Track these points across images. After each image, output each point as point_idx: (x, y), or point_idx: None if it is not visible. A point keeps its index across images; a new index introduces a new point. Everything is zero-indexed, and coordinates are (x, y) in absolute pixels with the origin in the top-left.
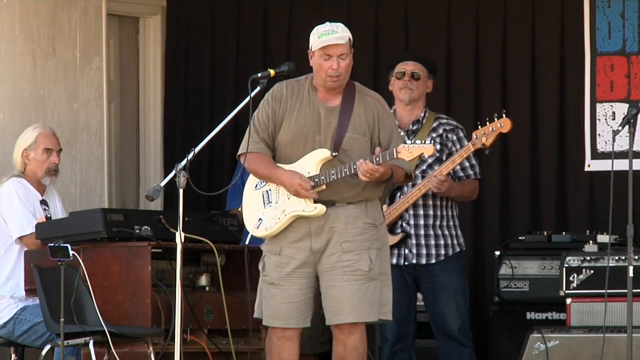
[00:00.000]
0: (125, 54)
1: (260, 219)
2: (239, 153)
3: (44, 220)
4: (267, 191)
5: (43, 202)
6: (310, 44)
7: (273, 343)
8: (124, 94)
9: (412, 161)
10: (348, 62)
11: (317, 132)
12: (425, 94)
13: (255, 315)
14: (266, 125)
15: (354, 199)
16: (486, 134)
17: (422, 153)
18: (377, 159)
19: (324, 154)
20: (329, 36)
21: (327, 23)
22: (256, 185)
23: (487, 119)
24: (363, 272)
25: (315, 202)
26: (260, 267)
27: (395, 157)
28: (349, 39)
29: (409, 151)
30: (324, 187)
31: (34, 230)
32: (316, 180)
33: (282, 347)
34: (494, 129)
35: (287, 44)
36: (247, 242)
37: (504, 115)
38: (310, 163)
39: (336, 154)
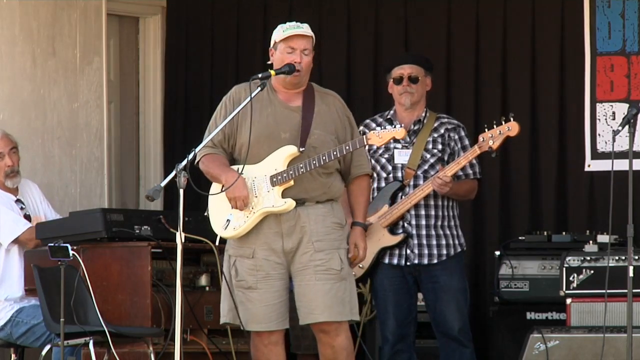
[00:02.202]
0: (125, 54)
1: (228, 219)
2: (197, 159)
3: (22, 218)
4: None
5: (18, 202)
6: (272, 41)
7: (260, 351)
8: (124, 94)
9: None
10: (310, 59)
11: (282, 131)
12: (425, 92)
13: (226, 321)
14: (222, 129)
15: (321, 198)
16: (493, 137)
17: (394, 137)
18: (347, 147)
19: (291, 150)
20: (295, 30)
21: (291, 22)
22: (222, 187)
23: (495, 122)
24: (335, 271)
25: (284, 197)
26: (232, 272)
27: (365, 144)
28: (313, 38)
29: (379, 137)
30: (291, 182)
31: (25, 228)
32: (284, 175)
33: (269, 353)
34: (502, 132)
35: None
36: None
37: (511, 119)
38: (278, 160)
39: (303, 149)
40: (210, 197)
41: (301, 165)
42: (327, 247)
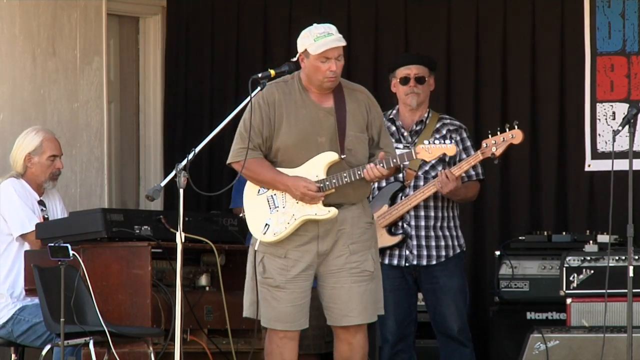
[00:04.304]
0: (125, 54)
1: (267, 224)
2: (232, 160)
3: (42, 220)
4: (271, 196)
5: (41, 203)
6: (302, 46)
7: (275, 344)
8: (124, 94)
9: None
10: (342, 62)
11: (318, 135)
12: (429, 92)
13: (247, 315)
14: (260, 131)
15: (356, 199)
16: (497, 144)
17: (444, 153)
18: (394, 160)
19: (332, 156)
20: (327, 39)
21: (318, 25)
22: (259, 190)
23: (499, 128)
24: (369, 273)
25: (325, 205)
26: (259, 269)
27: (414, 157)
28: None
29: (428, 152)
30: (333, 190)
31: (33, 228)
32: (327, 183)
33: (284, 347)
34: (505, 139)
35: (287, 44)
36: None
37: (516, 127)
38: (318, 166)
39: (345, 156)
40: (246, 201)
41: (345, 175)
42: (361, 248)
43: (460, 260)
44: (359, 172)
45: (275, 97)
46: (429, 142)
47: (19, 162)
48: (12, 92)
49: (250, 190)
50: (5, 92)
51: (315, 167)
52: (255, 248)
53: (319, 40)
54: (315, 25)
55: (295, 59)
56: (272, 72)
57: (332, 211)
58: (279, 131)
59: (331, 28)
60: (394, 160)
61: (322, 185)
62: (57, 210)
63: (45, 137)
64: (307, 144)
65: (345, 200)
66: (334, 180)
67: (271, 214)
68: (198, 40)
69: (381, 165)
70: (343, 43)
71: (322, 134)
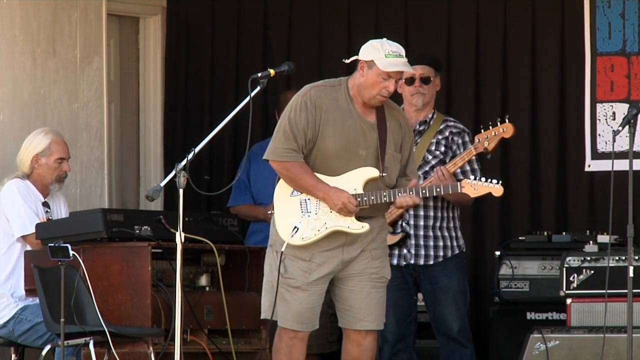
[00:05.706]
0: (125, 54)
1: (296, 227)
2: (275, 159)
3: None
4: (305, 200)
5: (45, 204)
6: (369, 56)
7: (284, 342)
8: (124, 94)
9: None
10: (398, 85)
11: (360, 147)
12: (435, 93)
13: (266, 317)
14: (304, 133)
15: (383, 212)
16: (489, 138)
17: (490, 192)
18: (438, 189)
19: (373, 172)
20: (399, 60)
21: (390, 42)
22: (292, 192)
23: (490, 123)
24: (385, 280)
25: (358, 219)
26: (280, 269)
27: (459, 191)
28: None
29: (474, 188)
30: (367, 206)
31: (34, 230)
32: (365, 199)
33: (293, 346)
34: (497, 133)
35: (287, 44)
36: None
37: (506, 120)
38: (357, 180)
39: (385, 175)
40: (277, 200)
41: (385, 194)
42: (381, 255)
43: (460, 261)
44: (399, 194)
45: (323, 102)
46: (476, 178)
47: (26, 162)
48: (12, 92)
49: (282, 190)
50: (5, 92)
51: (354, 180)
52: (282, 249)
53: (390, 57)
54: (386, 40)
55: (348, 61)
56: (272, 71)
57: (365, 227)
58: (322, 136)
59: (401, 49)
60: (438, 190)
61: (359, 200)
62: (62, 212)
63: (53, 140)
64: (349, 154)
65: (375, 213)
66: (372, 197)
67: (302, 218)
68: (198, 40)
69: (424, 192)
70: (412, 70)
71: (364, 147)
